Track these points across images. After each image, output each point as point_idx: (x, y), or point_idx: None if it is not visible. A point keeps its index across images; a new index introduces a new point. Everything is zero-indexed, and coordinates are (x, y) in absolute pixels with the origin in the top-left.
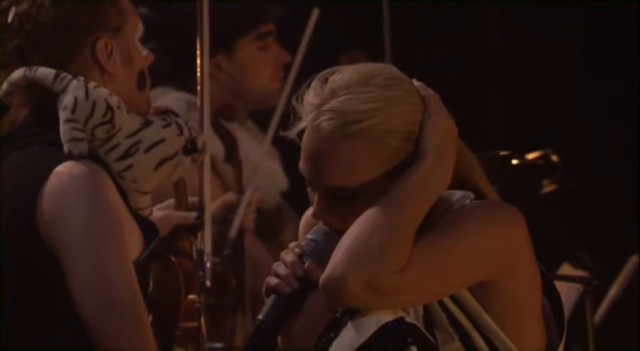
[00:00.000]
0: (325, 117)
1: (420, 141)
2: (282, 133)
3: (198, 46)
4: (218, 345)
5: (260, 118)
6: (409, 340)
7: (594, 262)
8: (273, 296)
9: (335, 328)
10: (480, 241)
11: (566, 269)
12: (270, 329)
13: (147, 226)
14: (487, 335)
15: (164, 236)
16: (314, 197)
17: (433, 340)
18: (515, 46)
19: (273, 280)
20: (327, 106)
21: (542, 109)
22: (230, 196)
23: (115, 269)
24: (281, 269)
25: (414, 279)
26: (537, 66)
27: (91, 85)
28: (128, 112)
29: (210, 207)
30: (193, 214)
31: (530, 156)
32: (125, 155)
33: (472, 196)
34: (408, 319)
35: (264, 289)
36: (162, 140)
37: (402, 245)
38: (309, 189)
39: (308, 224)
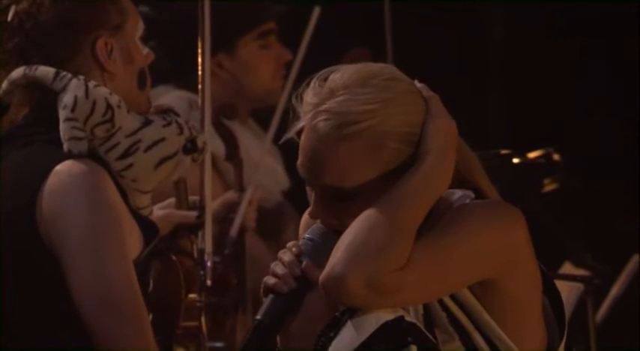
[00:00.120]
0: (322, 117)
1: (421, 142)
2: (283, 138)
3: (199, 45)
4: (219, 344)
5: (261, 117)
6: (409, 339)
7: (596, 261)
8: (271, 296)
9: (335, 327)
10: (480, 241)
11: (567, 268)
12: (269, 329)
13: (147, 226)
14: (487, 335)
15: (165, 235)
16: (312, 196)
17: (433, 340)
18: (516, 46)
19: (270, 280)
20: (324, 107)
21: (544, 109)
22: (231, 195)
23: (115, 268)
24: (279, 269)
25: (413, 278)
26: (538, 65)
27: (91, 83)
28: (128, 111)
29: (211, 206)
30: (194, 213)
31: (532, 155)
32: (125, 154)
33: (472, 195)
34: (407, 318)
35: (262, 289)
36: (162, 139)
37: (401, 244)
38: (307, 188)
39: (308, 223)
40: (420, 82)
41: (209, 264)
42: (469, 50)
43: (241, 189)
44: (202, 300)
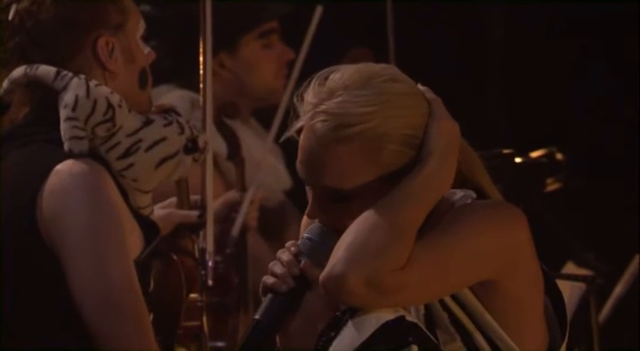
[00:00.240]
0: (320, 118)
1: (424, 144)
2: (283, 137)
3: (201, 44)
4: (220, 344)
5: (263, 116)
6: (410, 339)
7: (598, 260)
8: (269, 295)
9: (335, 326)
10: (481, 241)
11: (570, 268)
12: (267, 328)
13: (148, 225)
14: (489, 335)
15: (166, 235)
16: (310, 196)
17: (434, 340)
18: (517, 46)
19: (269, 279)
20: (322, 107)
21: (545, 108)
22: (232, 195)
23: (116, 268)
24: (277, 268)
25: (414, 277)
26: (539, 65)
27: (92, 83)
28: (129, 110)
29: (213, 205)
30: (195, 213)
31: (534, 154)
32: (126, 154)
33: (474, 195)
34: (408, 318)
35: (260, 288)
36: (163, 139)
37: (402, 244)
38: (307, 188)
39: (309, 223)
40: (423, 84)
41: (210, 264)
42: (470, 50)
43: (243, 188)
44: (203, 300)
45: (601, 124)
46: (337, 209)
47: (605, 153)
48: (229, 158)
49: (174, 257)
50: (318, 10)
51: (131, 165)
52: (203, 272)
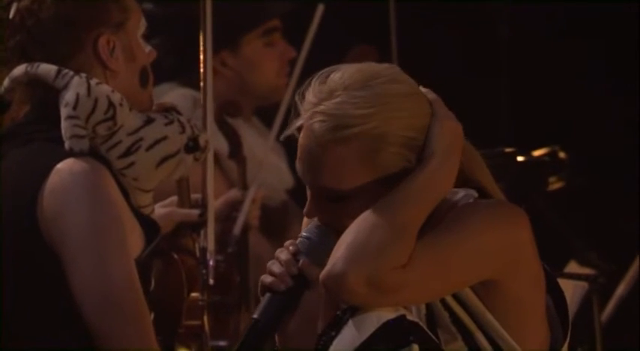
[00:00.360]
0: (318, 119)
1: (426, 144)
2: (283, 135)
3: (201, 43)
4: (222, 343)
5: (265, 115)
6: (410, 338)
7: (601, 259)
8: (267, 294)
9: (336, 326)
10: (483, 240)
11: (572, 267)
12: (266, 328)
13: (148, 224)
14: (490, 335)
15: (167, 234)
16: (308, 195)
17: (435, 339)
18: (521, 45)
19: (267, 279)
20: (320, 107)
21: (550, 107)
22: (234, 193)
23: (116, 267)
24: (275, 267)
25: (415, 276)
26: (544, 64)
27: (93, 81)
28: (130, 109)
29: (214, 204)
30: (196, 212)
31: (537, 153)
32: (127, 153)
33: (475, 194)
34: (409, 317)
35: (259, 288)
36: (164, 138)
37: (403, 243)
38: (307, 186)
39: (311, 223)
40: (424, 84)
41: (211, 262)
42: (473, 49)
43: (245, 187)
44: (205, 299)
45: (604, 123)
46: (335, 209)
47: (608, 152)
48: (231, 157)
49: (175, 256)
50: (320, 9)
51: (132, 164)
52: (204, 271)
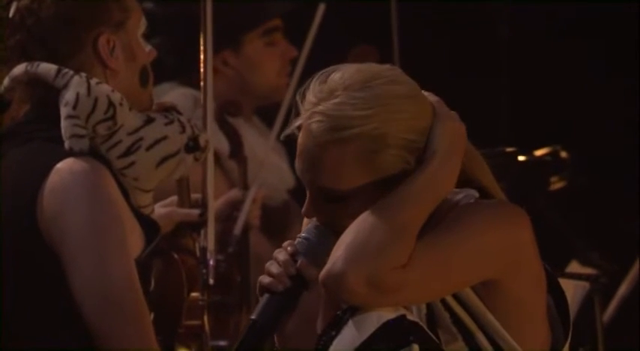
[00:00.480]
0: (316, 119)
1: (427, 144)
2: (282, 134)
3: (202, 43)
4: (222, 343)
5: (266, 114)
6: (411, 338)
7: (603, 259)
8: (266, 295)
9: (336, 326)
10: (483, 240)
11: (574, 267)
12: (263, 328)
13: (148, 224)
14: (491, 335)
15: (167, 233)
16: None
17: (435, 339)
18: (522, 44)
19: (265, 279)
20: (319, 108)
21: (551, 107)
22: (235, 193)
23: (116, 267)
24: (273, 268)
25: (415, 276)
26: (546, 63)
27: (93, 81)
28: (130, 108)
29: (214, 204)
30: (196, 211)
31: (538, 153)
32: (127, 152)
33: (476, 194)
34: (409, 317)
35: (257, 289)
36: (164, 138)
37: (403, 243)
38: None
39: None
40: (426, 85)
41: (211, 262)
42: (474, 49)
43: (245, 187)
44: (205, 299)
45: (605, 123)
46: (333, 209)
47: (610, 151)
48: (232, 156)
49: (175, 256)
50: (321, 8)
51: (132, 164)
52: (204, 271)
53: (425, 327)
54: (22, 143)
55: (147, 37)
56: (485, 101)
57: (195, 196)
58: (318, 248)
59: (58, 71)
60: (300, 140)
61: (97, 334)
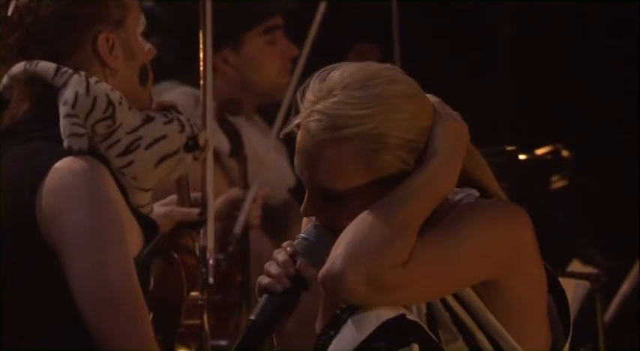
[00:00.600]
0: (314, 118)
1: (428, 145)
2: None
3: (201, 41)
4: (223, 343)
5: (268, 113)
6: (410, 337)
7: (604, 258)
8: (265, 296)
9: (335, 325)
10: (483, 240)
11: (575, 266)
12: (262, 329)
13: (147, 224)
14: (491, 335)
15: (166, 233)
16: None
17: (435, 339)
18: (526, 42)
19: (264, 280)
20: (318, 106)
21: (554, 105)
22: (235, 192)
23: (115, 266)
24: (273, 268)
25: (415, 275)
26: (548, 61)
27: (92, 80)
28: (129, 107)
29: (213, 203)
30: (196, 210)
31: (539, 151)
32: (126, 151)
33: (477, 194)
34: (409, 317)
35: (256, 289)
36: (163, 137)
37: (402, 241)
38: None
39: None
40: (427, 84)
41: (211, 261)
42: (477, 47)
43: (246, 186)
44: (204, 298)
45: (608, 122)
46: (331, 209)
47: (612, 150)
48: (232, 155)
49: (175, 255)
50: (322, 6)
51: (131, 163)
52: (204, 270)
53: (425, 326)
54: (21, 142)
55: (147, 35)
56: (487, 100)
57: (195, 195)
58: (318, 248)
59: (57, 70)
60: (298, 138)
61: (96, 334)
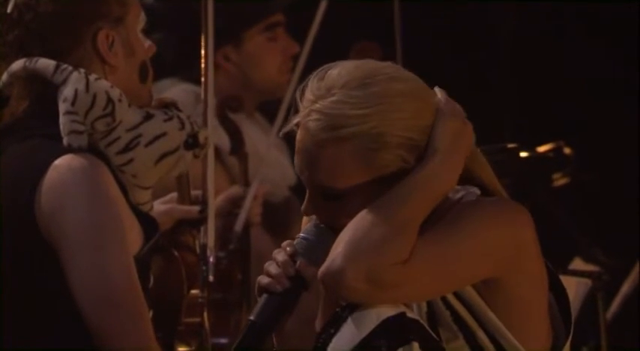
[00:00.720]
0: (314, 117)
1: (429, 143)
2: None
3: (202, 39)
4: (223, 341)
5: (269, 111)
6: (410, 336)
7: (606, 256)
8: (264, 296)
9: (335, 323)
10: (484, 238)
11: (577, 264)
12: (262, 329)
13: (147, 221)
14: (492, 333)
15: (166, 230)
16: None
17: (435, 337)
18: (527, 40)
19: (264, 280)
20: (316, 106)
21: (556, 103)
22: (235, 190)
23: (115, 263)
24: (272, 268)
25: (415, 273)
26: (550, 59)
27: (92, 77)
28: (129, 105)
29: (214, 201)
30: (196, 208)
31: (541, 149)
32: (125, 149)
33: (478, 192)
34: (409, 315)
35: (256, 289)
36: (163, 134)
37: (403, 239)
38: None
39: (310, 222)
40: (429, 82)
41: (211, 259)
42: (479, 46)
43: (246, 183)
44: (204, 296)
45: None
46: (331, 207)
47: (614, 148)
48: (232, 153)
49: (175, 253)
50: (323, 4)
51: (131, 160)
52: (204, 268)
53: (425, 325)
54: (21, 139)
55: (147, 32)
56: (489, 98)
57: (196, 192)
58: (318, 248)
59: (57, 67)
60: (298, 138)
61: (96, 331)
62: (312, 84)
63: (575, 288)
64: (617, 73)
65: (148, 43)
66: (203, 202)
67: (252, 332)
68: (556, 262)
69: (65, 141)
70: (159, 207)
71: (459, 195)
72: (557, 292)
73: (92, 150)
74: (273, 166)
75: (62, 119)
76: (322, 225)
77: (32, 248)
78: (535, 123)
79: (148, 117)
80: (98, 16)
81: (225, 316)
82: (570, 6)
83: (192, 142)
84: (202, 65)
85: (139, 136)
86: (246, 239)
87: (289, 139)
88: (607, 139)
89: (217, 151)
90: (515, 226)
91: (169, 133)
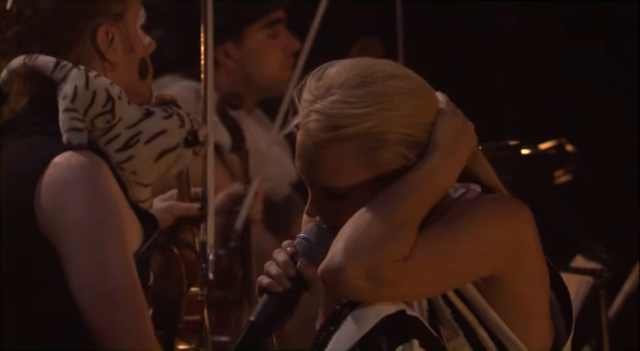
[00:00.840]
0: (313, 118)
1: (430, 140)
2: (282, 133)
3: (202, 36)
4: (224, 338)
5: (270, 107)
6: (410, 333)
7: (608, 254)
8: (265, 296)
9: (335, 321)
10: (484, 236)
11: (579, 262)
12: (262, 329)
13: (147, 219)
14: (492, 331)
15: (166, 228)
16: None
17: (435, 334)
18: (529, 39)
19: (264, 280)
20: (316, 106)
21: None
22: (236, 187)
23: (115, 261)
24: (272, 269)
25: (415, 270)
26: (552, 56)
27: (92, 74)
28: (129, 102)
29: (214, 198)
30: (197, 205)
31: (543, 146)
32: (125, 146)
33: (479, 189)
34: (409, 312)
35: (256, 289)
36: (163, 131)
37: (402, 236)
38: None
39: (309, 221)
40: (430, 79)
41: (211, 257)
42: (480, 43)
43: (247, 181)
44: (204, 293)
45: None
46: (334, 207)
47: (616, 146)
48: (233, 150)
49: (175, 250)
50: (324, 1)
51: (130, 157)
52: (204, 266)
53: (425, 322)
54: (21, 136)
55: (147, 29)
56: (491, 95)
57: (196, 189)
58: (318, 248)
59: (57, 64)
60: (298, 139)
61: (96, 329)
62: (310, 84)
63: (576, 286)
64: (617, 73)
65: (147, 39)
66: (203, 199)
67: (252, 332)
68: (557, 260)
69: (65, 138)
70: (159, 204)
71: (459, 192)
72: (559, 289)
73: (92, 147)
74: (274, 164)
75: (62, 116)
76: (323, 225)
77: (32, 246)
78: (537, 121)
79: (148, 114)
80: (98, 12)
81: (226, 314)
82: (570, 6)
83: (192, 140)
84: (202, 62)
85: (139, 133)
86: (247, 237)
87: (292, 136)
88: (608, 136)
89: (218, 149)
90: (516, 224)
91: (169, 131)
